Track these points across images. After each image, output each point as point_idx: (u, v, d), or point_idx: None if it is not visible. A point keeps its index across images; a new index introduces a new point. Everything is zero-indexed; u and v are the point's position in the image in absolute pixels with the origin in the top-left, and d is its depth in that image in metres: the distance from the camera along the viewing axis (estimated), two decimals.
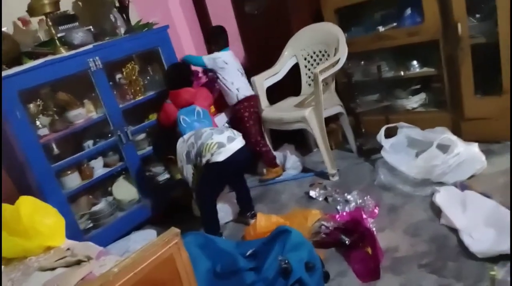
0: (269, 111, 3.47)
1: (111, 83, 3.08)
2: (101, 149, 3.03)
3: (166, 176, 3.38)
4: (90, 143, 3.02)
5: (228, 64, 3.30)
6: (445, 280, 2.04)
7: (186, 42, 4.15)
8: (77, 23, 3.04)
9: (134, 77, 3.20)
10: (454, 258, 2.15)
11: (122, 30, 3.24)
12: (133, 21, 3.27)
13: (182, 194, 3.15)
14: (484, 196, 2.45)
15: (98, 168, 3.05)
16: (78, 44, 2.87)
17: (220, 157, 2.52)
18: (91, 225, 3.01)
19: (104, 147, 3.03)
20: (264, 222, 2.67)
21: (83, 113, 2.95)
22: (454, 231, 2.31)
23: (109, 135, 3.03)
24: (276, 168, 3.50)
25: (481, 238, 2.16)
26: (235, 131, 2.75)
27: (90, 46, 2.87)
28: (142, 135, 3.29)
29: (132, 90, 3.20)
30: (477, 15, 2.98)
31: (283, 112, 3.38)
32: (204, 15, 4.16)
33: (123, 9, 3.20)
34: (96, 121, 2.98)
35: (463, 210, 2.37)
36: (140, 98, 3.22)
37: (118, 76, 3.21)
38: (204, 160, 2.55)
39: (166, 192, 3.26)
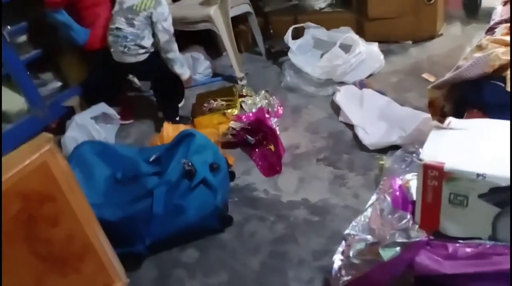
0: (172, 9, 3.16)
1: None
2: None
3: (58, 83, 3.04)
4: None
5: None
6: (340, 171, 2.20)
7: None
8: None
9: None
10: (348, 151, 2.31)
11: None
12: None
13: (79, 101, 2.89)
14: (379, 93, 2.59)
15: None
16: None
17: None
18: None
19: None
20: (171, 131, 2.52)
21: None
22: (351, 126, 2.44)
23: None
24: None
25: (373, 132, 2.31)
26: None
27: None
28: (24, 37, 2.85)
29: None
30: None
31: (187, 10, 3.12)
32: None
33: None
34: None
35: (360, 107, 2.50)
36: None
37: None
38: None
39: (59, 101, 2.97)
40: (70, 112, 2.93)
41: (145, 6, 2.51)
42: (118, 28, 2.55)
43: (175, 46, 2.61)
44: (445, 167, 0.87)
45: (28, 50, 2.88)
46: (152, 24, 2.54)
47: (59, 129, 2.84)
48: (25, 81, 2.78)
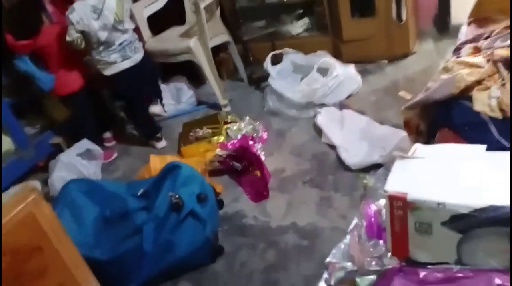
0: (152, 43, 3.25)
1: None
2: None
3: (44, 121, 3.08)
4: None
5: None
6: (326, 193, 2.25)
7: None
8: None
9: None
10: (332, 172, 2.37)
11: None
12: None
13: (63, 139, 2.93)
14: (359, 113, 2.67)
15: None
16: None
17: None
18: None
19: None
20: (159, 163, 2.52)
21: None
22: (334, 147, 2.50)
23: None
24: None
25: (355, 152, 2.37)
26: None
27: None
28: (7, 80, 2.89)
29: None
30: None
31: (167, 43, 3.20)
32: None
33: None
34: None
35: (341, 128, 2.57)
36: None
37: None
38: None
39: (46, 139, 3.00)
40: (57, 150, 2.96)
41: (121, 9, 2.59)
42: (120, 43, 2.62)
43: None
44: (408, 197, 0.91)
45: (11, 92, 2.92)
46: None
47: (47, 168, 2.87)
48: (10, 122, 2.82)
